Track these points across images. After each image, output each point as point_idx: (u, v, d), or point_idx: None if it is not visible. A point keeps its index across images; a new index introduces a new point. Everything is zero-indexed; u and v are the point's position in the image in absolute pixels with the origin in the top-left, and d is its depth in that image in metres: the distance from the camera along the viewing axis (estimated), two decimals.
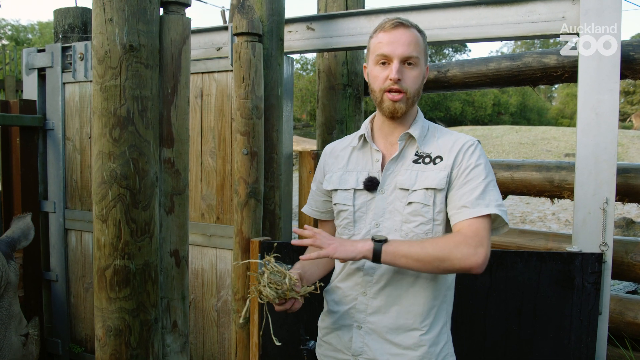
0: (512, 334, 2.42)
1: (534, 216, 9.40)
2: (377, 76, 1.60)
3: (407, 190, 1.59)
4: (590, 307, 2.37)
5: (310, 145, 15.52)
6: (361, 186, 1.65)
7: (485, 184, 1.53)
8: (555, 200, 3.25)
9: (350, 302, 1.68)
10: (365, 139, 1.71)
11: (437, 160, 1.59)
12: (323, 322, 1.80)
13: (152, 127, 1.88)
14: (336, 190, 1.72)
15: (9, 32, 32.75)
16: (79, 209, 3.83)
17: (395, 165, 1.64)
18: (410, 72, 1.58)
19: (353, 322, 1.66)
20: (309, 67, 29.81)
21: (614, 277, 2.83)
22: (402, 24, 1.58)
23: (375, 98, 1.64)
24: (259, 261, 2.51)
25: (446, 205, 1.58)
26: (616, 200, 2.66)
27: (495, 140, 17.20)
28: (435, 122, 1.75)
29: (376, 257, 1.49)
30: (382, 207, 1.63)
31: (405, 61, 1.57)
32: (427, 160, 1.60)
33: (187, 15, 2.00)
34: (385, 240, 1.50)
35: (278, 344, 1.59)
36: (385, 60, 1.58)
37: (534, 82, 3.20)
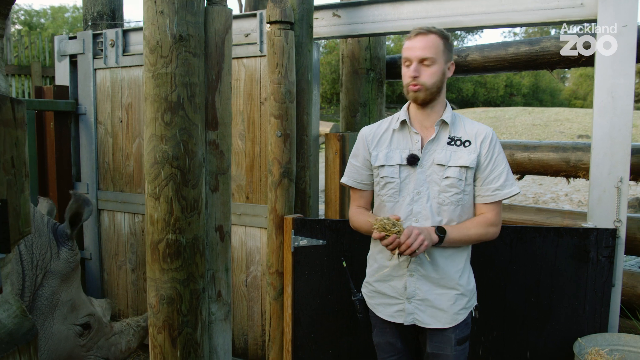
0: (530, 303, 2.58)
1: (547, 197, 9.48)
2: (404, 74, 2.04)
3: (444, 166, 2.01)
4: (604, 279, 2.52)
5: (324, 127, 15.52)
6: (405, 162, 2.04)
7: (507, 170, 2.04)
8: (571, 179, 3.38)
9: (406, 257, 2.02)
10: (404, 123, 2.08)
11: (467, 143, 2.03)
12: (373, 277, 2.16)
13: (199, 112, 2.03)
14: (383, 166, 2.08)
15: (22, 17, 32.92)
16: (111, 190, 4.00)
17: (432, 145, 2.05)
18: (426, 70, 1.97)
19: (406, 272, 2.06)
20: (321, 49, 29.67)
21: (626, 252, 2.97)
22: (420, 33, 1.99)
23: (404, 91, 2.06)
24: (293, 236, 2.68)
25: (474, 180, 2.04)
26: (630, 180, 2.79)
27: (507, 121, 17.16)
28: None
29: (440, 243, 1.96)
30: (422, 178, 2.03)
31: (422, 62, 1.97)
32: (458, 142, 2.04)
33: (228, 7, 2.13)
34: (444, 232, 1.95)
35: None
36: (408, 62, 2.00)
37: (552, 66, 3.31)
